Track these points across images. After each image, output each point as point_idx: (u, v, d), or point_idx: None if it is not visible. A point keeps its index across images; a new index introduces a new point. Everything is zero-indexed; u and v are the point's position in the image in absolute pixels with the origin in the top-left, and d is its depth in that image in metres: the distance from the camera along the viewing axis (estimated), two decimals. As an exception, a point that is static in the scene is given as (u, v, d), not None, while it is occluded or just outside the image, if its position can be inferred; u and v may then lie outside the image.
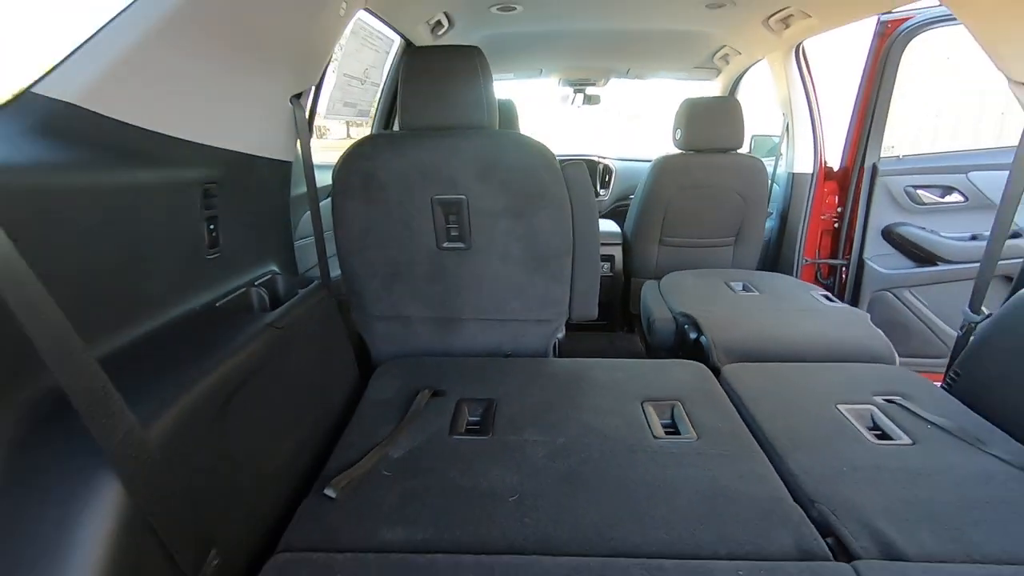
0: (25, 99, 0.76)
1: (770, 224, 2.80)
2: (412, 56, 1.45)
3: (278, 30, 1.16)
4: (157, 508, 0.65)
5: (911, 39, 2.24)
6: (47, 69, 0.80)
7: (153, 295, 0.93)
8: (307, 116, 1.51)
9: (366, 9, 1.71)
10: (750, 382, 1.38)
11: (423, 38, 2.29)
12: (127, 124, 0.84)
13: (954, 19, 1.70)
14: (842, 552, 0.86)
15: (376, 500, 0.96)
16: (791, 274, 2.61)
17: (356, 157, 1.42)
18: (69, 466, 0.62)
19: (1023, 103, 1.36)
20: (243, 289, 1.20)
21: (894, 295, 2.45)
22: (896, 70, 2.28)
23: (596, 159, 3.61)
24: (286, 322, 1.12)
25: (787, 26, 2.17)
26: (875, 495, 0.96)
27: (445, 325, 1.57)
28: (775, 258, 2.78)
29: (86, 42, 0.81)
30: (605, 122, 9.41)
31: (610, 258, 2.77)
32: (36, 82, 0.77)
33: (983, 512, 0.92)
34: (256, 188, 1.29)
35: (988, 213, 2.19)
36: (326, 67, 1.50)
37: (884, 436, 1.17)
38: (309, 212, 1.46)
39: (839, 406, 1.26)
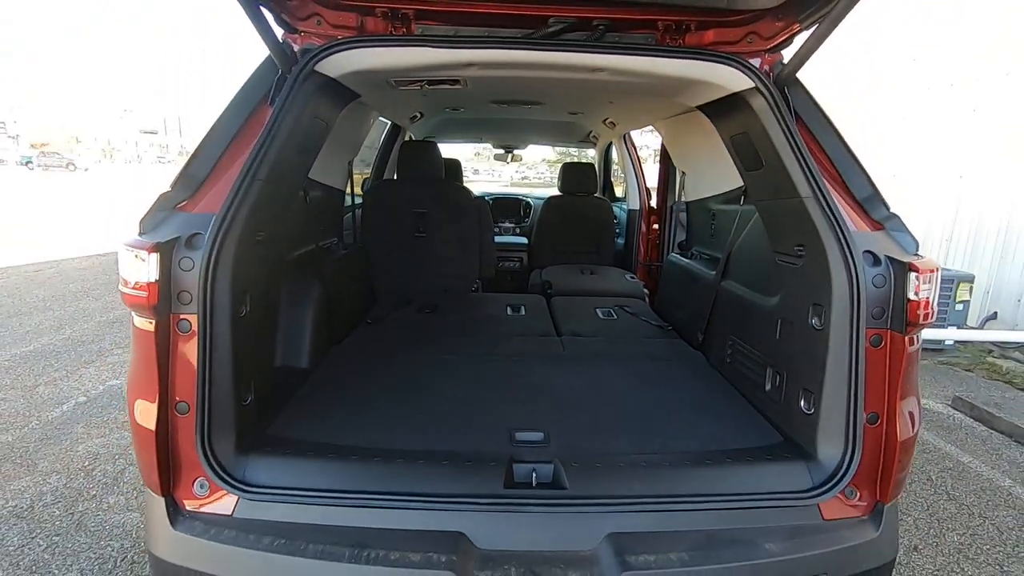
0: None
1: (621, 241, 4.46)
2: (408, 146, 3.01)
3: (349, 131, 2.71)
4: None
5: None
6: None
7: (308, 237, 2.43)
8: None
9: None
10: (560, 303, 2.97)
11: (406, 124, 3.89)
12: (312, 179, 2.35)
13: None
14: None
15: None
16: (633, 270, 4.25)
17: (378, 188, 2.96)
18: None
19: (681, 173, 3.03)
20: (327, 243, 2.70)
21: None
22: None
23: (521, 198, 5.30)
24: (341, 257, 2.63)
25: (614, 126, 3.87)
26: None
27: (418, 274, 3.09)
28: (624, 260, 4.43)
29: None
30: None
31: (521, 257, 4.38)
32: None
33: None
34: (333, 198, 2.80)
35: None
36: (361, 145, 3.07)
37: (604, 316, 2.75)
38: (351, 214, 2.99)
39: (595, 309, 2.84)
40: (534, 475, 1.40)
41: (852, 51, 7.64)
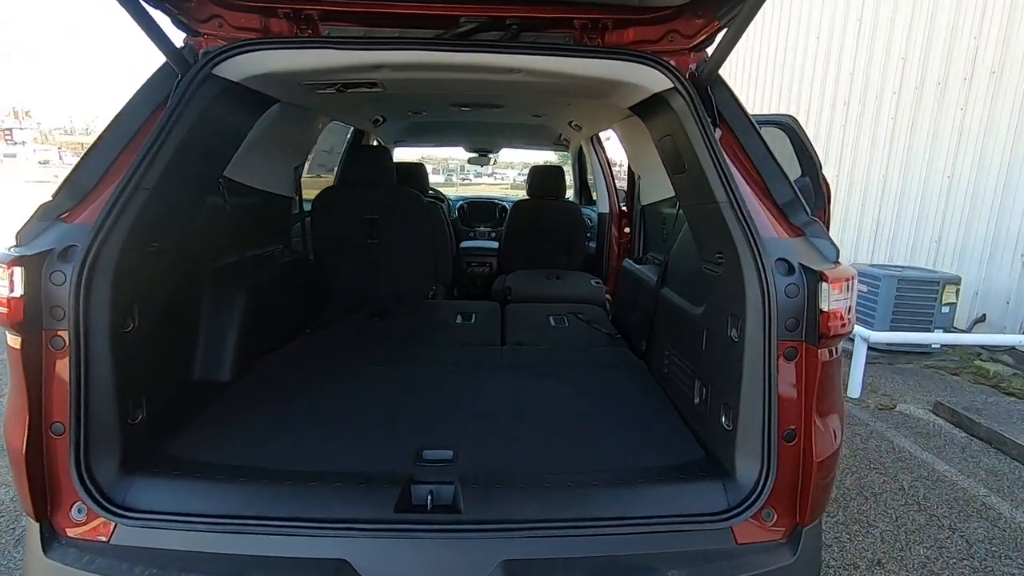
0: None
1: (592, 244, 4.38)
2: (356, 151, 2.95)
3: (290, 136, 2.65)
4: None
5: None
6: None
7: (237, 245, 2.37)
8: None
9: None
10: (514, 310, 2.90)
11: (368, 128, 3.83)
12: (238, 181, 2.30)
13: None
14: None
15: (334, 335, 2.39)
16: (604, 275, 4.17)
17: (326, 195, 2.90)
18: None
19: (637, 176, 2.96)
20: (267, 251, 2.63)
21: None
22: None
23: (497, 201, 5.22)
24: (284, 265, 2.57)
25: (579, 129, 3.80)
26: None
27: (372, 281, 3.03)
28: (596, 263, 4.34)
29: None
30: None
31: (490, 263, 4.31)
32: None
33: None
34: (283, 205, 2.74)
35: None
36: (310, 151, 3.01)
37: (556, 324, 2.68)
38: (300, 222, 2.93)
39: (549, 316, 2.77)
40: (430, 498, 1.33)
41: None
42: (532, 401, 1.86)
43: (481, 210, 5.17)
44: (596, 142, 4.09)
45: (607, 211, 4.12)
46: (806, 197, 3.97)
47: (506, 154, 5.53)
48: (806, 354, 1.32)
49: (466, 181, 21.32)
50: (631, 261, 2.94)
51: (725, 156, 1.46)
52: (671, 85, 1.55)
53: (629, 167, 3.71)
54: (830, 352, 1.34)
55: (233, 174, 2.27)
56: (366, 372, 2.01)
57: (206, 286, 1.97)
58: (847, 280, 1.30)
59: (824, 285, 1.27)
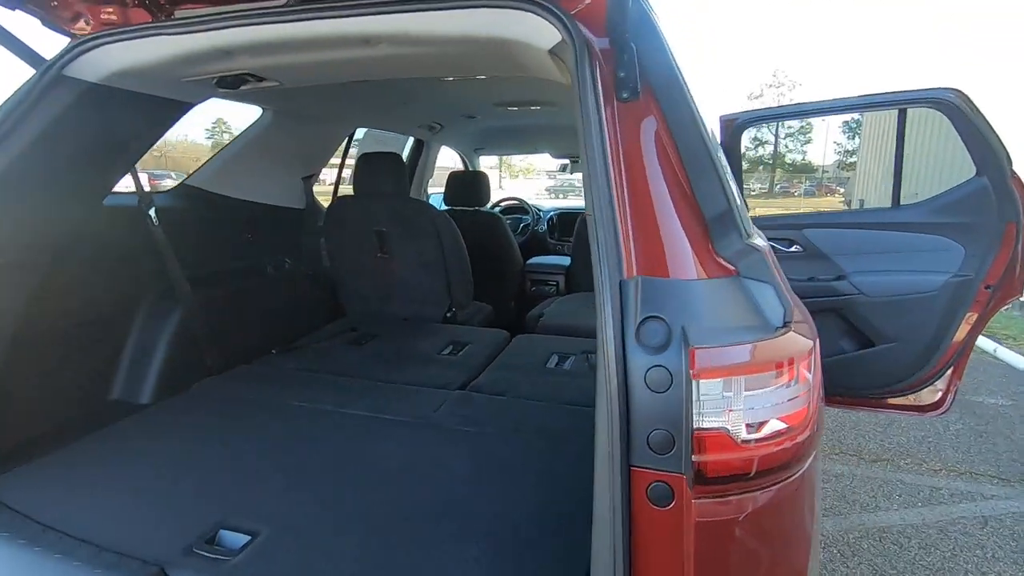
0: (184, 188, 2.17)
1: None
2: (362, 158, 2.74)
3: (291, 146, 2.53)
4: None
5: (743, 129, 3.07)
6: (193, 172, 2.24)
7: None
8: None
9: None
10: (521, 343, 2.41)
11: (427, 136, 3.64)
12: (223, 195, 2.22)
13: (768, 118, 2.69)
14: None
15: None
16: None
17: (335, 207, 2.74)
18: None
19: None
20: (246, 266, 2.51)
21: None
22: (739, 153, 3.10)
23: (575, 211, 4.72)
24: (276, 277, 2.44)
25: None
26: None
27: (385, 299, 2.79)
28: None
29: (211, 159, 2.22)
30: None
31: (557, 280, 3.80)
32: (188, 177, 2.20)
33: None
34: (287, 217, 2.65)
35: (819, 261, 2.96)
36: (327, 160, 2.89)
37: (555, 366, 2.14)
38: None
39: (554, 354, 2.23)
40: None
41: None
42: (425, 472, 1.41)
43: (562, 222, 4.65)
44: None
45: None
46: (982, 205, 2.76)
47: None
48: (683, 500, 0.70)
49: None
50: None
51: (607, 136, 0.89)
52: (560, 37, 1.01)
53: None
54: (739, 505, 0.69)
55: (208, 185, 2.21)
56: (273, 413, 1.74)
57: (144, 301, 1.90)
58: (755, 371, 0.65)
59: (695, 384, 0.65)
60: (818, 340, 0.85)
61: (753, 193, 42.28)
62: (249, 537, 1.16)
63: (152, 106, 1.63)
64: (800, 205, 30.54)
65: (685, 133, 0.92)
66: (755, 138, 49.81)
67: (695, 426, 0.66)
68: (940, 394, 2.78)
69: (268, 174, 2.44)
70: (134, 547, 1.12)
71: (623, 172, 0.91)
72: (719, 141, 3.18)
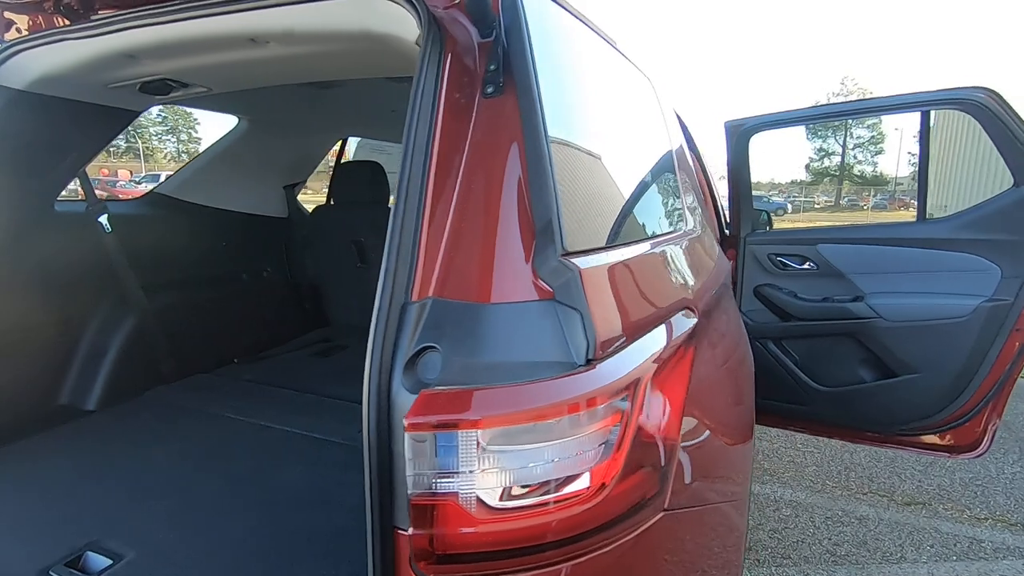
0: (152, 196, 2.20)
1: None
2: (342, 167, 2.72)
3: (270, 155, 2.53)
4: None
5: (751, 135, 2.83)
6: (164, 179, 2.26)
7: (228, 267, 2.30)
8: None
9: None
10: None
11: None
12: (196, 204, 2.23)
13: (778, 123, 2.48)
14: None
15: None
16: None
17: (316, 214, 2.72)
18: None
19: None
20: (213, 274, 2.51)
21: (759, 344, 2.88)
22: (747, 161, 2.86)
23: None
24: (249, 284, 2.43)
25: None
26: None
27: (365, 310, 2.74)
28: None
29: (183, 168, 2.24)
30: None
31: None
32: (158, 186, 2.22)
33: None
34: (267, 226, 2.65)
35: (834, 279, 2.69)
36: (312, 169, 2.88)
37: None
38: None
39: None
40: None
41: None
42: (315, 504, 1.32)
43: None
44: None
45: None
46: (1021, 220, 2.41)
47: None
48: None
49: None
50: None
51: (436, 132, 0.77)
52: (415, 21, 0.91)
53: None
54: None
55: (179, 193, 2.22)
56: (204, 423, 1.70)
57: (99, 307, 1.91)
58: (525, 420, 0.51)
59: (407, 436, 0.52)
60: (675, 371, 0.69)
61: (818, 206, 40.18)
62: (111, 561, 1.10)
63: (88, 113, 1.63)
64: (868, 219, 28.78)
65: (533, 133, 0.79)
66: (820, 149, 47.42)
67: (414, 490, 0.52)
68: (976, 434, 2.44)
69: (243, 183, 2.44)
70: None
71: (461, 174, 0.79)
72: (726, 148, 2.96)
